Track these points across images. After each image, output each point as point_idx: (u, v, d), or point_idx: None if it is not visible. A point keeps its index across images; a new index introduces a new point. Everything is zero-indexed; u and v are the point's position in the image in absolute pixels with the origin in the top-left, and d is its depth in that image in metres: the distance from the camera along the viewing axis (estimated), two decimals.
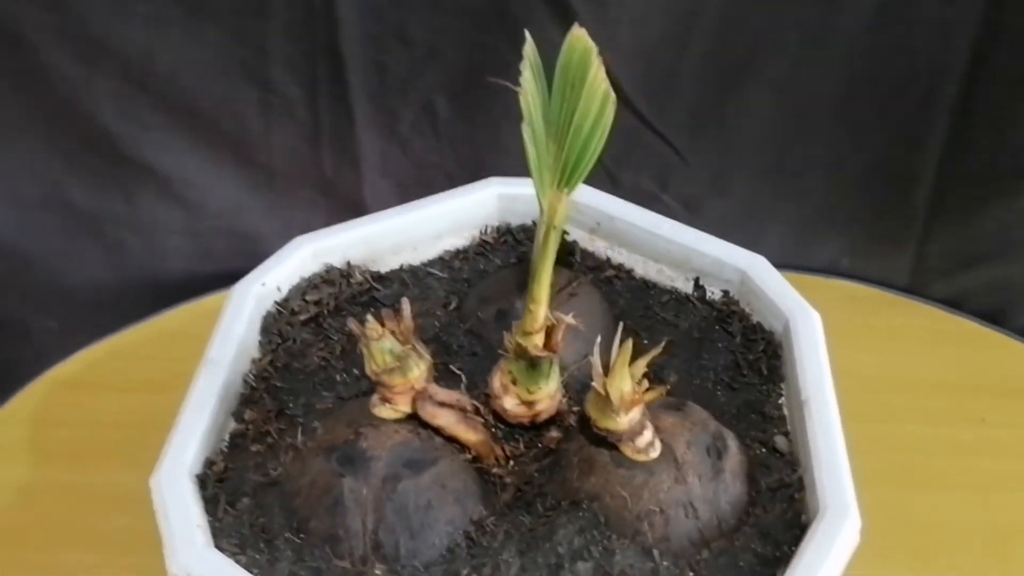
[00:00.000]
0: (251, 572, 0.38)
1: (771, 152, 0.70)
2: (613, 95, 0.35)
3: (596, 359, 0.38)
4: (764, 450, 0.43)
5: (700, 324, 0.49)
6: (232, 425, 0.45)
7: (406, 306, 0.41)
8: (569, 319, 0.40)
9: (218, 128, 0.70)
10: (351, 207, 0.75)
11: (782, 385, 0.46)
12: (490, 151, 0.71)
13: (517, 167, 0.69)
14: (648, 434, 0.39)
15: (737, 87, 0.66)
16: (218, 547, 0.39)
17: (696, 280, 0.51)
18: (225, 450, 0.44)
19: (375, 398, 0.41)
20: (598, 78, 0.34)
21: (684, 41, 0.64)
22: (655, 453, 0.40)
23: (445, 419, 0.41)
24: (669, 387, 0.45)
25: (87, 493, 0.62)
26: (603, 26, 0.63)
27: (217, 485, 0.41)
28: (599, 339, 0.38)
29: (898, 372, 0.68)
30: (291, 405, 0.46)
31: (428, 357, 0.41)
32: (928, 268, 0.73)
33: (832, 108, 0.67)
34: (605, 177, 0.73)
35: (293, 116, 0.69)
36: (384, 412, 0.41)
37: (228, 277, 0.51)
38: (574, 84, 0.35)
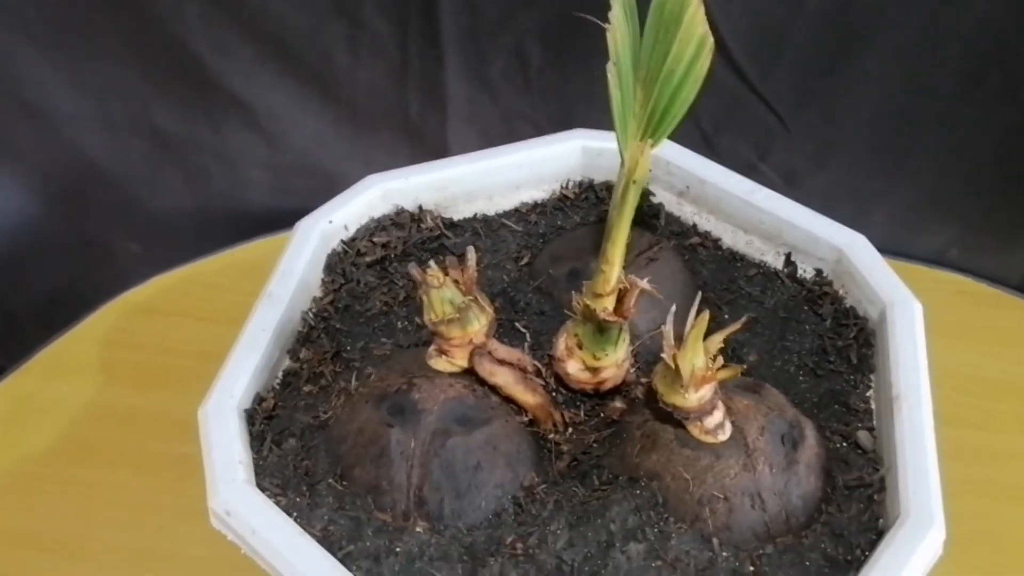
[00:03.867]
0: (289, 515, 0.36)
1: (881, 129, 0.65)
2: (711, 40, 0.32)
3: (669, 329, 0.35)
4: (845, 445, 0.40)
5: (788, 303, 0.46)
6: (287, 363, 0.43)
7: (471, 255, 0.39)
8: (644, 284, 0.37)
9: (305, 62, 0.69)
10: (434, 152, 0.72)
11: (872, 376, 0.42)
12: (582, 103, 0.67)
13: (610, 122, 0.67)
14: (718, 415, 0.36)
15: (850, 56, 0.62)
16: (259, 486, 0.38)
17: (788, 255, 0.47)
18: (277, 387, 0.42)
19: (432, 349, 0.39)
20: (696, 20, 0.31)
21: (799, 2, 0.60)
22: (724, 436, 0.37)
23: (503, 378, 0.39)
24: (747, 367, 0.42)
25: (149, 417, 0.62)
26: None
27: (265, 422, 0.40)
28: (673, 308, 0.35)
29: (1003, 376, 0.63)
30: (348, 348, 0.44)
31: (491, 311, 0.39)
32: None
33: (951, 88, 0.62)
34: (700, 140, 0.69)
35: (381, 54, 0.67)
36: (440, 364, 0.39)
37: (307, 214, 0.50)
38: (668, 26, 0.31)
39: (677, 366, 0.35)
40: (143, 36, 0.68)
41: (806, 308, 0.45)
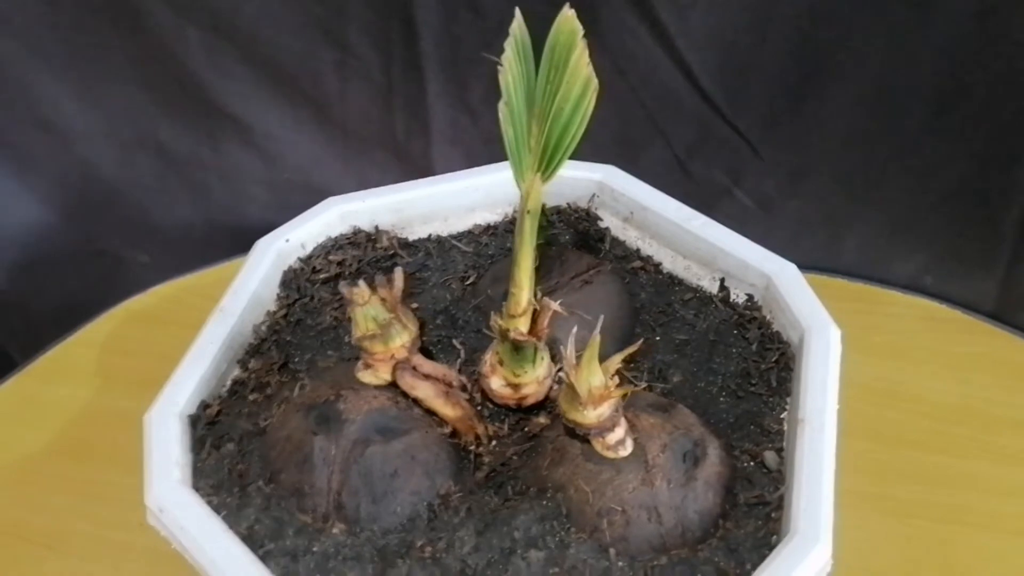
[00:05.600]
0: (218, 513, 0.39)
1: (851, 155, 0.66)
2: (595, 81, 0.34)
3: (570, 349, 0.37)
4: (752, 464, 0.41)
5: (718, 327, 0.47)
6: (236, 372, 0.46)
7: (399, 275, 0.41)
8: (555, 306, 0.39)
9: (297, 84, 0.72)
10: (420, 172, 0.75)
11: (787, 399, 0.44)
12: None
13: (588, 147, 0.69)
14: (620, 431, 0.38)
15: (818, 84, 0.63)
16: (195, 486, 0.40)
17: (722, 281, 0.49)
18: (224, 395, 0.45)
19: (360, 363, 0.42)
20: (581, 62, 0.33)
21: (764, 30, 0.61)
22: (624, 452, 0.39)
23: (423, 391, 0.41)
24: (669, 387, 0.44)
25: (138, 420, 0.65)
26: (677, 9, 0.61)
27: (207, 428, 0.43)
28: (574, 330, 0.37)
29: (971, 403, 0.63)
30: (296, 359, 0.47)
31: (414, 328, 0.41)
32: (1016, 294, 0.68)
33: (921, 114, 0.62)
34: (676, 166, 0.71)
35: (368, 79, 0.71)
36: (366, 377, 0.42)
37: None
38: (558, 67, 0.34)
39: (575, 385, 0.37)
40: (149, 59, 0.72)
41: (735, 332, 0.47)
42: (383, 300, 0.41)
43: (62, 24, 0.70)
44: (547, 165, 0.36)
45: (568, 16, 0.33)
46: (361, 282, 0.40)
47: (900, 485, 0.58)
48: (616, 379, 0.37)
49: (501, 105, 0.35)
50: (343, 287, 0.40)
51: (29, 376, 0.70)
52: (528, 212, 0.36)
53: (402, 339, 0.41)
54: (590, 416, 0.37)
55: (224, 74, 0.72)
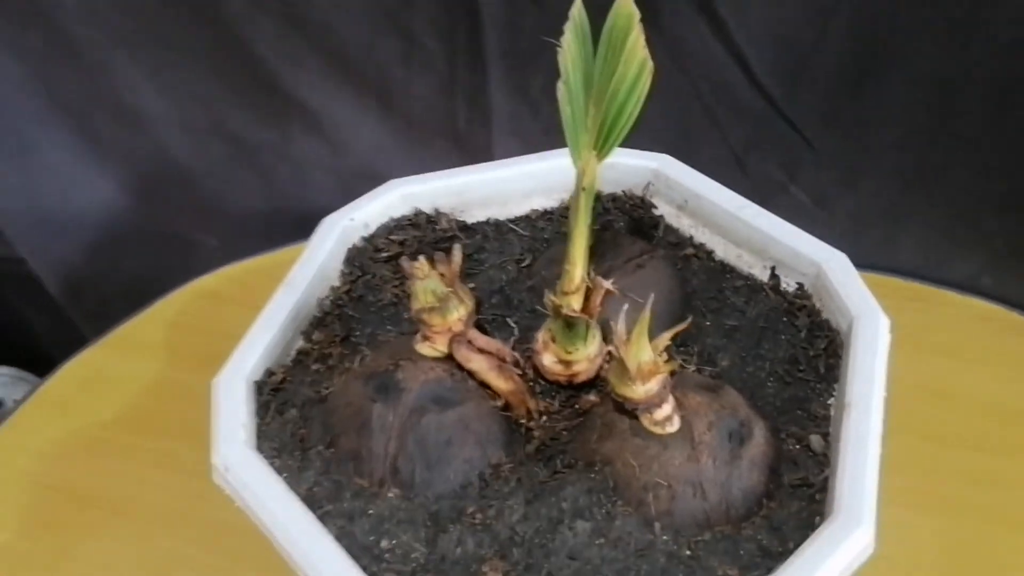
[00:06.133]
0: (280, 475, 0.41)
1: (910, 152, 0.66)
2: (651, 63, 0.35)
3: (621, 326, 0.38)
4: (798, 447, 0.42)
5: (768, 314, 0.48)
6: (300, 343, 0.48)
7: (457, 251, 0.43)
8: (608, 284, 0.41)
9: (363, 74, 0.74)
10: (480, 161, 0.77)
11: (835, 386, 0.44)
12: None
13: (646, 140, 0.70)
14: (667, 408, 0.39)
15: (877, 78, 0.63)
16: (258, 448, 0.43)
17: (773, 269, 0.49)
18: (289, 364, 0.47)
19: (418, 335, 0.43)
20: (638, 44, 0.34)
21: (823, 25, 0.62)
22: (672, 428, 0.40)
23: (478, 364, 0.42)
24: (718, 370, 0.45)
25: (205, 395, 0.68)
26: (738, 3, 0.61)
27: (271, 393, 0.45)
28: (625, 307, 0.39)
29: (1022, 404, 0.63)
30: (357, 333, 0.49)
31: (470, 302, 0.43)
32: None
33: (982, 110, 0.62)
34: (732, 160, 0.71)
35: (432, 69, 0.72)
36: (424, 349, 0.43)
37: None
38: (615, 49, 0.35)
39: (625, 359, 0.38)
40: (222, 48, 0.75)
41: (784, 319, 0.48)
42: (441, 275, 0.42)
43: (141, 12, 0.74)
44: (603, 144, 0.37)
45: (625, 1, 0.34)
46: (421, 257, 0.42)
47: (949, 484, 0.58)
48: (665, 356, 0.39)
49: (560, 84, 0.37)
50: (404, 261, 0.42)
51: (101, 349, 0.73)
52: (584, 189, 0.37)
53: (459, 312, 0.42)
54: (639, 391, 0.38)
55: (294, 63, 0.75)
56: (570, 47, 0.36)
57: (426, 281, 0.42)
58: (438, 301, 0.42)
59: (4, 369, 1.05)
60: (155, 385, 0.70)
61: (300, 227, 0.82)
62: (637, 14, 0.34)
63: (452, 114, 0.75)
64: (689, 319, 0.41)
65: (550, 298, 0.41)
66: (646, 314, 0.37)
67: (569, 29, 0.36)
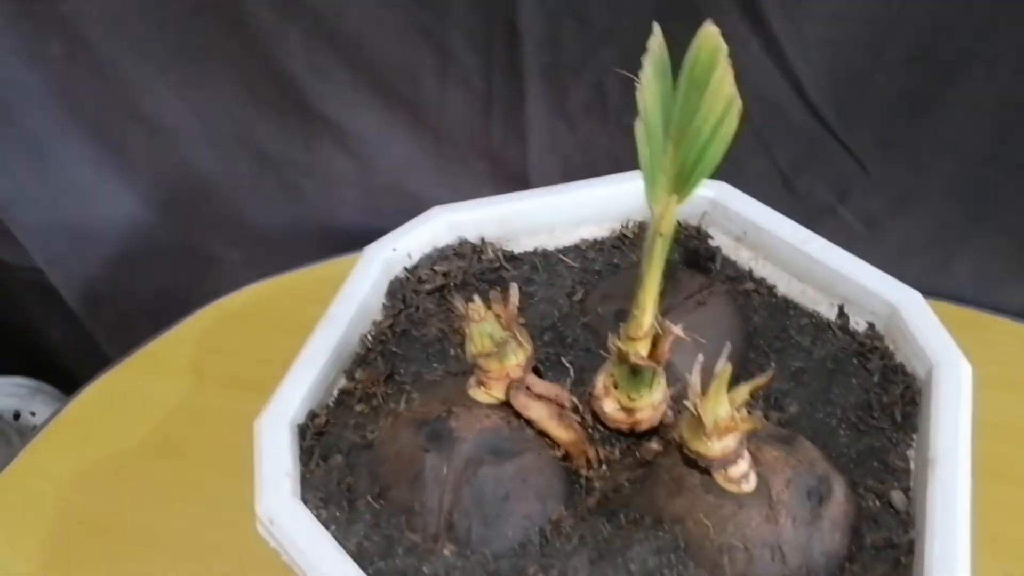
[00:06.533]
0: (328, 528, 0.39)
1: (966, 177, 0.63)
2: (739, 102, 0.33)
3: (696, 377, 0.36)
4: (878, 503, 0.39)
5: (837, 355, 0.46)
6: (343, 382, 0.46)
7: (514, 291, 0.40)
8: (678, 331, 0.38)
9: (395, 89, 0.72)
10: (515, 180, 0.75)
11: (914, 436, 0.42)
12: None
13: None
14: (743, 464, 0.37)
15: (934, 101, 0.60)
16: (303, 498, 0.40)
17: (840, 307, 0.47)
18: (331, 405, 0.45)
19: (472, 379, 0.41)
20: (724, 82, 0.32)
21: (880, 45, 0.59)
22: (748, 486, 0.37)
23: (537, 412, 0.40)
24: (787, 417, 0.43)
25: (232, 419, 0.65)
26: (791, 21, 0.59)
27: (315, 438, 0.43)
28: (700, 357, 0.36)
29: None
30: (401, 371, 0.46)
31: (529, 347, 0.41)
32: None
33: None
34: (780, 182, 0.69)
35: (467, 84, 0.70)
36: (479, 395, 0.41)
37: None
38: (698, 86, 0.32)
39: (700, 415, 0.35)
40: (250, 61, 0.72)
41: (855, 361, 0.45)
42: (498, 317, 0.40)
43: (167, 23, 0.71)
44: (683, 186, 0.34)
45: (710, 32, 0.31)
46: (476, 298, 0.40)
47: (1012, 524, 0.56)
48: (743, 411, 0.36)
49: (638, 123, 0.34)
50: (458, 302, 0.40)
51: (125, 370, 0.71)
52: (660, 235, 0.35)
53: (517, 358, 0.40)
54: (715, 448, 0.36)
55: (323, 78, 0.72)
56: (649, 83, 0.33)
57: (483, 324, 0.39)
58: (496, 346, 0.39)
59: (22, 380, 1.03)
60: (181, 409, 0.68)
61: (326, 244, 0.80)
62: (724, 48, 0.32)
63: (487, 131, 0.72)
64: (771, 372, 0.38)
65: (615, 343, 0.39)
66: (727, 367, 0.35)
67: (648, 62, 0.33)
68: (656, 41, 0.33)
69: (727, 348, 0.36)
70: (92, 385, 0.71)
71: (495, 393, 0.40)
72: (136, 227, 0.87)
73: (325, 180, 0.80)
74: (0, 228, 0.84)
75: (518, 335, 0.40)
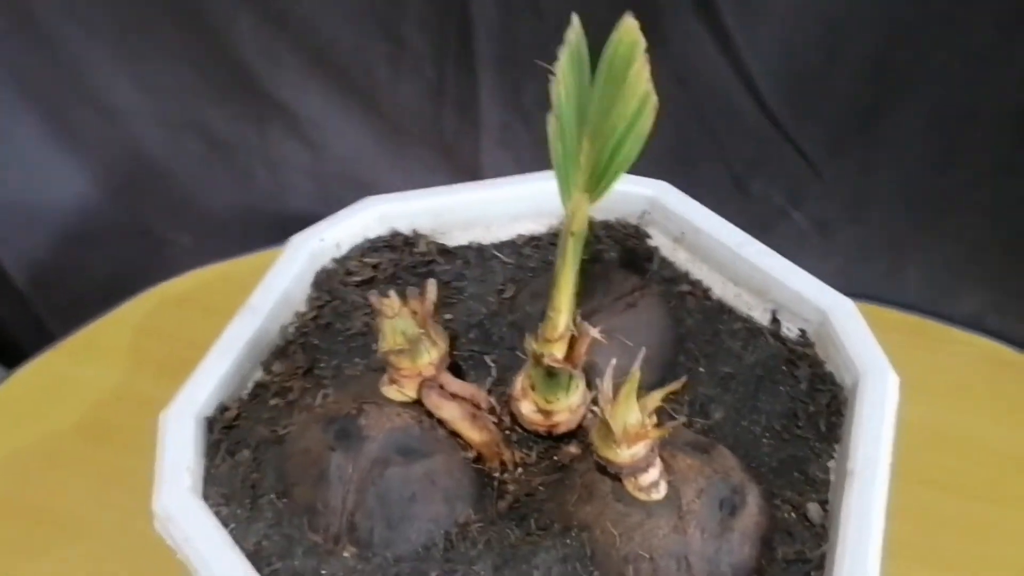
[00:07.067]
0: (227, 526, 0.37)
1: (918, 184, 0.62)
2: (654, 98, 0.31)
3: (607, 383, 0.35)
4: (794, 515, 0.38)
5: (767, 362, 0.45)
6: (259, 374, 0.45)
7: (431, 287, 0.39)
8: (595, 332, 0.37)
9: (348, 76, 0.70)
10: (468, 172, 0.73)
11: (836, 447, 0.41)
12: None
13: (642, 157, 0.66)
14: (654, 472, 0.36)
15: (889, 106, 0.60)
16: (205, 494, 0.39)
17: (774, 313, 0.46)
18: (244, 398, 0.44)
19: (385, 377, 0.40)
20: (640, 77, 0.30)
21: (836, 47, 0.58)
22: (658, 495, 0.36)
23: (450, 412, 0.39)
24: (710, 424, 0.42)
25: (166, 406, 0.65)
26: (746, 19, 0.58)
27: (224, 432, 0.42)
28: (613, 361, 0.35)
29: None
30: (322, 365, 0.45)
31: (444, 345, 0.39)
32: None
33: (998, 146, 0.59)
34: (732, 183, 0.68)
35: (420, 74, 0.69)
36: (391, 393, 0.40)
37: None
38: (616, 80, 0.31)
39: (609, 421, 0.34)
40: (199, 42, 0.71)
41: (784, 369, 0.44)
42: (414, 313, 0.39)
43: (118, 2, 0.70)
44: (596, 184, 0.33)
45: (629, 26, 0.30)
46: (392, 293, 0.38)
47: (947, 536, 0.55)
48: (654, 418, 0.35)
49: (551, 117, 0.33)
50: (372, 297, 0.38)
51: (60, 353, 0.70)
52: (572, 234, 0.34)
53: (430, 356, 0.39)
54: (623, 455, 0.35)
55: (274, 62, 0.71)
56: (564, 76, 0.32)
57: (395, 320, 0.38)
58: (408, 343, 0.38)
59: None
60: (116, 394, 0.67)
61: (277, 230, 0.78)
62: (642, 43, 0.30)
63: (439, 122, 0.71)
64: (684, 378, 0.37)
65: (531, 345, 0.38)
66: (636, 372, 0.33)
67: (564, 55, 0.32)
68: (574, 33, 0.32)
69: (641, 353, 0.35)
70: (27, 366, 0.69)
71: (408, 391, 0.39)
72: (87, 208, 0.86)
73: (277, 166, 0.79)
74: None
75: (432, 333, 0.39)
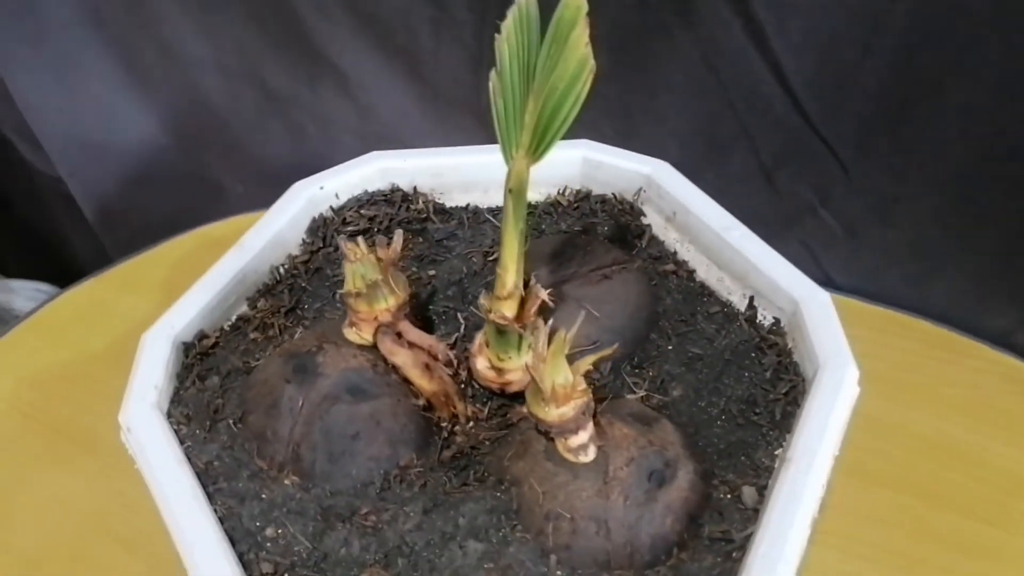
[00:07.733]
0: (183, 444, 0.40)
1: (948, 190, 0.60)
2: (592, 62, 0.32)
3: (542, 341, 0.36)
4: (729, 497, 0.38)
5: (738, 347, 0.44)
6: (243, 308, 0.47)
7: (398, 237, 0.40)
8: (544, 294, 0.38)
9: (393, 38, 0.72)
10: None
11: (787, 436, 0.41)
12: (644, 116, 0.67)
13: (673, 141, 0.65)
14: (583, 435, 0.36)
15: (922, 105, 0.58)
16: (169, 413, 0.41)
17: (751, 299, 0.45)
18: (226, 329, 0.46)
19: (347, 319, 0.41)
20: (580, 39, 0.31)
21: (867, 43, 0.56)
22: (586, 458, 0.37)
23: (402, 359, 0.40)
24: (658, 401, 0.42)
25: None
26: (776, 11, 0.57)
27: (198, 358, 0.44)
28: (551, 322, 0.36)
29: None
30: (304, 306, 0.47)
31: (402, 294, 0.41)
32: None
33: None
34: (760, 174, 0.67)
35: (461, 41, 0.70)
36: (350, 335, 0.41)
37: None
38: (560, 40, 0.32)
39: (538, 378, 0.35)
40: None
41: (752, 355, 0.44)
42: (378, 260, 0.40)
43: None
44: (537, 144, 0.34)
45: None
46: (360, 239, 0.40)
47: (937, 550, 0.54)
48: (583, 380, 0.35)
49: (492, 74, 0.34)
50: (340, 240, 0.40)
51: (103, 281, 0.74)
52: (511, 191, 0.34)
53: (387, 303, 0.40)
54: (552, 413, 0.36)
55: (328, 19, 0.73)
56: (510, 34, 0.32)
57: (356, 264, 0.39)
58: (366, 287, 0.39)
59: (43, 286, 1.07)
60: (145, 325, 0.70)
61: None
62: (584, 7, 0.31)
63: (478, 90, 0.72)
64: (615, 347, 0.38)
65: (481, 301, 0.39)
66: (562, 333, 0.34)
67: (511, 14, 0.33)
68: None
69: (580, 317, 0.36)
70: (74, 289, 0.73)
71: (365, 335, 0.41)
72: (151, 150, 0.90)
73: (325, 123, 0.81)
74: (27, 132, 0.88)
75: (392, 280, 0.40)
